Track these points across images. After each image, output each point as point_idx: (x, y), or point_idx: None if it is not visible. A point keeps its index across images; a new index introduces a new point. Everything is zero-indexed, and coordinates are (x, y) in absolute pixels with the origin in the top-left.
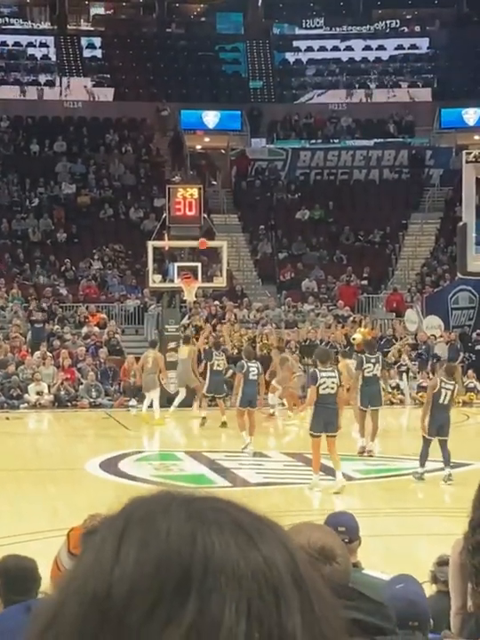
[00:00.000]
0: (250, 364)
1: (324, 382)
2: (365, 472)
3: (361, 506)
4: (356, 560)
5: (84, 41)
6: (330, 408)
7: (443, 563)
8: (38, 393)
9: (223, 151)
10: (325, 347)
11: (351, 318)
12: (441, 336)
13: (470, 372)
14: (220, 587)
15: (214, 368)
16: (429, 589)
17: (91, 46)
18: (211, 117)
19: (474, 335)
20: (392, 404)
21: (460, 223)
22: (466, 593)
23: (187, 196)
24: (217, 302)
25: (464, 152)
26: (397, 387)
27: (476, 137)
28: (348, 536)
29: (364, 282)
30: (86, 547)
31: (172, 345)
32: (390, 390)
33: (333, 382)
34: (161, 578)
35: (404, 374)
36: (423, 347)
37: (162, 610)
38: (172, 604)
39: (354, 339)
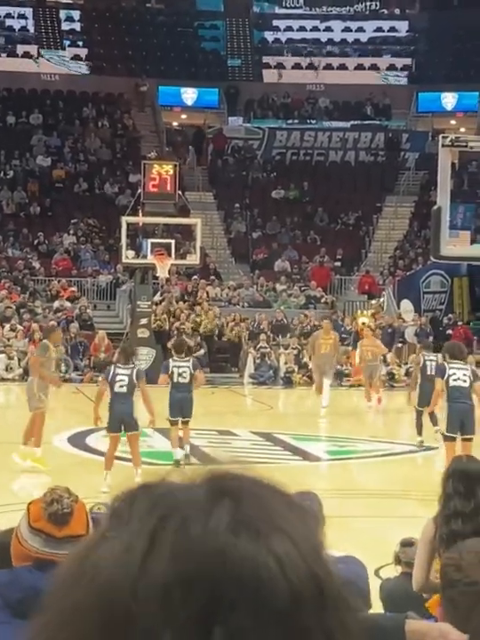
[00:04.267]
0: (178, 363)
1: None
2: (333, 453)
3: (328, 486)
4: None
5: (62, 13)
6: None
7: (406, 544)
8: (8, 367)
9: (200, 128)
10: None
11: (323, 299)
12: (412, 320)
13: (439, 356)
14: (252, 619)
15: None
16: (394, 570)
17: (69, 19)
18: (189, 94)
19: (445, 320)
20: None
21: (435, 207)
22: (430, 571)
23: (162, 173)
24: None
25: (441, 136)
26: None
27: (453, 122)
28: None
29: (337, 263)
30: (110, 534)
31: (143, 321)
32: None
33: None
34: (185, 599)
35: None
36: (389, 330)
37: (179, 635)
38: (192, 632)
39: (363, 322)
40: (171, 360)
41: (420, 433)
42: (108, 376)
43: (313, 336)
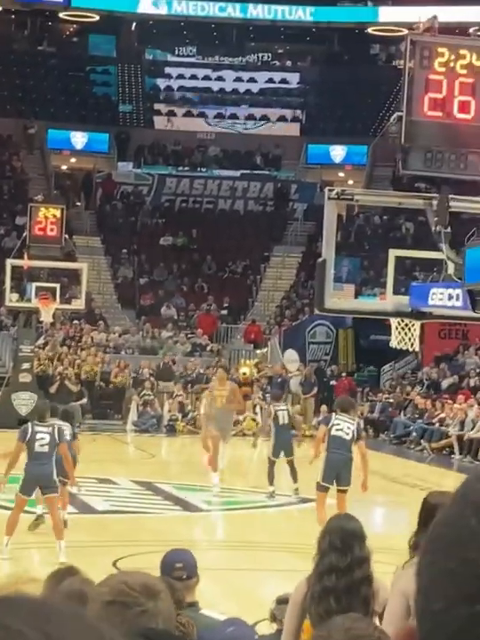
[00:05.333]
0: (38, 428)
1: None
2: (213, 504)
3: (208, 537)
4: (193, 599)
5: None
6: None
7: (282, 601)
8: None
9: (90, 173)
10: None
11: (209, 347)
12: (297, 370)
13: (323, 406)
14: None
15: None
16: (269, 628)
17: None
18: (78, 138)
19: (328, 371)
20: (244, 435)
21: (320, 259)
22: (298, 635)
23: (49, 216)
24: (75, 322)
25: (327, 188)
26: (253, 419)
27: (341, 174)
28: (186, 572)
29: (224, 311)
30: None
31: (26, 365)
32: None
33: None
34: None
35: (258, 407)
36: (279, 379)
37: None
38: None
39: (243, 373)
40: (30, 425)
41: (271, 482)
42: (26, 435)
43: (208, 389)
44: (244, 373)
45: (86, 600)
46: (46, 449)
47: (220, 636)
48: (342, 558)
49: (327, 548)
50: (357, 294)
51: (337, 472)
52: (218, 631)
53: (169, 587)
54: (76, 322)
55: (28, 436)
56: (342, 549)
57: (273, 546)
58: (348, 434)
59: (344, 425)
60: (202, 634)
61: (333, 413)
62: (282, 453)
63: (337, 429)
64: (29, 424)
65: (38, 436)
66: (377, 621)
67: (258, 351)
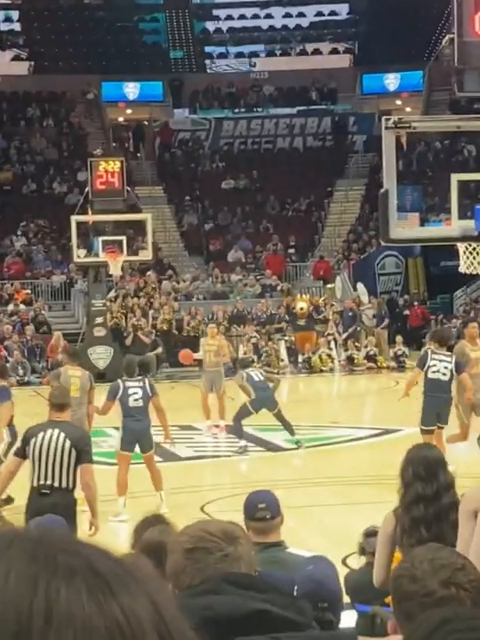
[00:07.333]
0: (129, 383)
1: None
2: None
3: (292, 476)
4: (278, 539)
5: (1, 14)
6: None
7: (370, 534)
8: None
9: (146, 122)
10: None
11: (279, 288)
12: (369, 302)
13: (398, 337)
14: None
15: None
16: (358, 561)
17: (8, 19)
18: (131, 89)
19: (401, 300)
20: (322, 371)
21: (382, 190)
22: (390, 567)
23: (109, 169)
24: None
25: (383, 118)
26: (329, 355)
27: (398, 102)
28: (270, 512)
29: (291, 250)
30: None
31: (99, 319)
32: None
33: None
34: None
35: (333, 342)
36: (350, 313)
37: None
38: None
39: (301, 308)
40: (120, 382)
41: (241, 436)
42: (117, 392)
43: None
44: (302, 308)
45: (164, 551)
46: (141, 403)
47: (299, 575)
48: (428, 486)
49: (412, 479)
50: (423, 222)
51: (437, 412)
52: (299, 570)
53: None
54: (149, 273)
55: (120, 392)
56: (427, 478)
57: (356, 479)
58: (445, 374)
59: (441, 365)
60: (277, 573)
61: (428, 351)
62: (263, 409)
63: (434, 371)
64: (119, 381)
65: (131, 391)
66: None
67: (328, 286)
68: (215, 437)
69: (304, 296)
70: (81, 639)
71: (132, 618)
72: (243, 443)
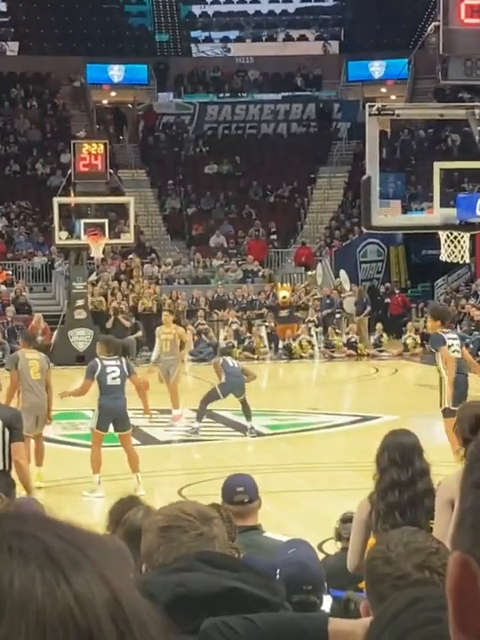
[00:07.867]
0: (106, 362)
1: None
2: (274, 427)
3: (270, 462)
4: (255, 522)
5: None
6: None
7: (346, 520)
8: None
9: (130, 105)
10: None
11: (260, 273)
12: (350, 290)
13: (378, 325)
14: (19, 633)
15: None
16: (334, 547)
17: None
18: (116, 71)
19: (382, 288)
20: (302, 357)
21: (364, 177)
22: (364, 553)
23: (92, 152)
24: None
25: (367, 105)
26: (309, 342)
27: (383, 90)
28: (248, 496)
29: (273, 236)
30: None
31: (80, 302)
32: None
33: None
34: None
35: (313, 328)
36: (327, 301)
37: None
38: None
39: (283, 296)
40: (98, 360)
41: (199, 419)
42: (95, 371)
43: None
44: (284, 297)
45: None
46: (118, 382)
47: (281, 559)
48: (404, 472)
49: (387, 464)
50: (405, 210)
51: (464, 394)
52: (280, 553)
53: (226, 518)
54: (130, 256)
55: (98, 371)
56: (402, 464)
57: (334, 466)
58: (458, 352)
59: (454, 343)
60: (258, 558)
61: (439, 333)
62: (231, 394)
63: (453, 351)
64: (97, 360)
65: (108, 369)
66: None
67: (309, 273)
68: (172, 426)
69: (285, 284)
70: (34, 630)
71: (85, 604)
72: (197, 425)
